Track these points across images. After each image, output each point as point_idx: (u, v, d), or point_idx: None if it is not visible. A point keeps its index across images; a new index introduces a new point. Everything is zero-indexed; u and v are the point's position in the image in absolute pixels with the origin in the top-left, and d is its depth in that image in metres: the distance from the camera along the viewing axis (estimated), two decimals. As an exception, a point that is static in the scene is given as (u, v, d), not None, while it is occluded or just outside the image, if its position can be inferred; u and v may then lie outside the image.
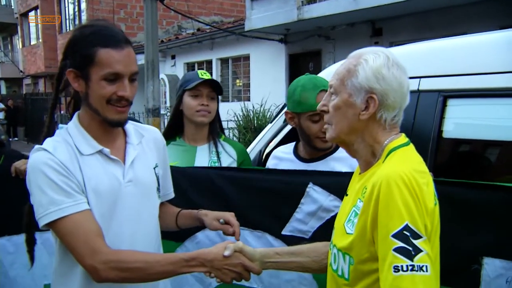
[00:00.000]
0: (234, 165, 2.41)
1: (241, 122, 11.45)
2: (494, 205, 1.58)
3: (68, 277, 1.54)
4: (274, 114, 2.35)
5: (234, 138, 11.45)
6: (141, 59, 9.81)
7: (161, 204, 1.84)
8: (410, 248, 1.17)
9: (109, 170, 1.57)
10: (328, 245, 1.59)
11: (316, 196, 1.96)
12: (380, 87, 1.34)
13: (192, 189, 2.15)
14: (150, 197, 1.68)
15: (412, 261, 1.16)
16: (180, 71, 15.76)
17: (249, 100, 13.00)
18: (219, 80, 14.92)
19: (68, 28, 21.33)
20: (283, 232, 2.03)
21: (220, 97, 2.50)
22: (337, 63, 1.77)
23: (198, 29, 15.01)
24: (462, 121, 2.12)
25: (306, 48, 11.75)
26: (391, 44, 9.11)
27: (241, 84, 14.68)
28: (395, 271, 1.17)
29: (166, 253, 1.61)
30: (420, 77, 2.14)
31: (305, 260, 1.61)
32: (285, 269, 1.65)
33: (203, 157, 2.38)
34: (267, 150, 2.86)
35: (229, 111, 11.96)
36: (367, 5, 8.78)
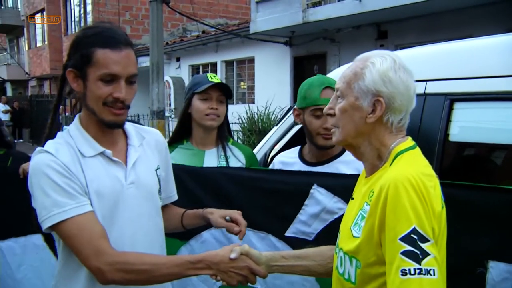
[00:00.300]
0: None
1: (245, 124, 11.45)
2: (499, 208, 1.57)
3: (72, 280, 1.54)
4: (279, 117, 2.35)
5: (239, 141, 11.46)
6: (146, 61, 9.84)
7: (166, 206, 1.84)
8: (418, 252, 1.16)
9: (111, 172, 1.57)
10: (334, 249, 1.59)
11: (320, 198, 1.96)
12: (387, 90, 1.34)
13: (196, 188, 2.15)
14: (151, 199, 1.68)
15: (420, 264, 1.15)
16: (185, 73, 15.79)
17: (253, 102, 13.01)
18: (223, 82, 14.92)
19: (73, 30, 21.43)
20: (287, 234, 2.03)
21: (230, 99, 2.49)
22: (343, 66, 1.77)
23: (203, 32, 15.04)
24: (469, 125, 2.11)
25: (311, 51, 11.75)
26: (397, 47, 9.10)
27: (245, 86, 14.69)
28: (402, 275, 1.16)
29: (172, 256, 1.61)
30: (426, 81, 2.13)
31: (311, 264, 1.61)
32: (291, 273, 1.65)
33: (211, 161, 2.36)
34: (273, 153, 2.86)
35: (234, 114, 11.96)
36: (373, 8, 8.77)
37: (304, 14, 10.19)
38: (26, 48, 27.15)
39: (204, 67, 15.79)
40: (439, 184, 1.32)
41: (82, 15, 20.48)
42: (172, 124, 12.90)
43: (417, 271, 1.15)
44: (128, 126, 1.69)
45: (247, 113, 11.44)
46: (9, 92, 30.49)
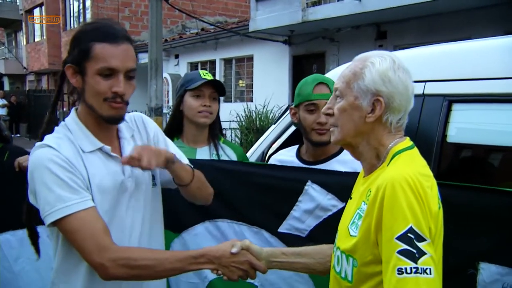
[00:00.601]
0: None
1: (243, 122, 11.45)
2: (491, 209, 1.58)
3: (71, 275, 1.54)
4: (277, 116, 2.36)
5: (236, 139, 11.46)
6: (144, 58, 9.82)
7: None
8: (414, 251, 1.17)
9: (110, 167, 1.57)
10: (332, 247, 1.59)
11: (314, 195, 1.96)
12: (386, 89, 1.35)
13: None
14: (146, 190, 1.68)
15: (416, 263, 1.16)
16: (183, 71, 15.78)
17: (251, 101, 13.01)
18: (222, 80, 14.93)
19: (72, 25, 21.38)
20: (280, 230, 2.03)
21: (222, 97, 2.48)
22: (342, 65, 1.77)
23: (202, 29, 15.02)
24: (467, 126, 2.12)
25: (310, 50, 11.76)
26: (396, 48, 9.11)
27: (244, 84, 14.69)
28: (399, 273, 1.17)
29: (174, 251, 1.61)
30: (425, 81, 2.14)
31: (310, 262, 1.62)
32: (290, 270, 1.67)
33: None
34: (270, 152, 2.86)
35: (232, 112, 11.96)
36: (372, 8, 8.79)
37: (304, 13, 10.19)
38: (24, 43, 27.06)
39: (202, 65, 15.78)
40: (436, 184, 1.32)
41: (81, 11, 20.45)
42: (170, 121, 12.84)
43: (414, 270, 1.16)
44: None
45: (245, 111, 11.44)
46: (7, 87, 30.40)
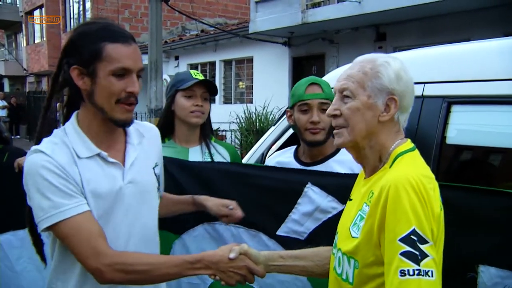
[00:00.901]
0: None
1: (243, 124, 11.45)
2: (491, 211, 1.57)
3: (66, 274, 1.54)
4: (277, 117, 2.36)
5: (236, 140, 11.46)
6: (144, 60, 9.79)
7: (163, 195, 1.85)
8: (417, 253, 1.18)
9: (108, 172, 1.55)
10: (331, 250, 1.59)
11: (314, 197, 1.95)
12: (400, 88, 1.37)
13: (188, 183, 2.14)
14: (148, 197, 1.66)
15: (419, 265, 1.17)
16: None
17: (251, 102, 13.01)
18: (222, 81, 14.94)
19: (72, 27, 21.38)
20: (278, 233, 2.02)
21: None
22: (341, 67, 1.78)
23: (202, 31, 15.03)
24: (466, 128, 2.12)
25: (309, 52, 11.76)
26: (395, 49, 9.12)
27: (244, 86, 14.69)
28: (401, 275, 1.17)
29: (171, 255, 1.61)
30: (424, 83, 2.14)
31: (309, 264, 1.62)
32: (289, 273, 1.66)
33: (196, 159, 2.34)
34: (270, 153, 2.86)
35: (232, 113, 11.96)
36: (372, 10, 8.79)
37: (304, 15, 10.19)
38: (24, 44, 27.06)
39: (202, 66, 15.78)
40: (437, 186, 1.33)
41: (81, 12, 20.46)
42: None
43: (416, 272, 1.16)
44: None
45: (245, 112, 11.43)
46: (7, 88, 30.39)
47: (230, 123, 11.88)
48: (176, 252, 2.17)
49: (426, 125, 2.10)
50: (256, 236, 2.06)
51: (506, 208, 1.54)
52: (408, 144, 1.41)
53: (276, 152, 2.48)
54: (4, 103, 20.59)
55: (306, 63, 12.10)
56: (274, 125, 2.98)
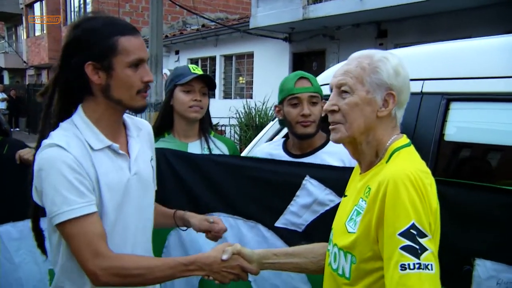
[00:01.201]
0: None
1: (243, 119, 11.45)
2: (487, 206, 1.59)
3: (77, 273, 1.52)
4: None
5: (236, 135, 11.46)
6: (145, 54, 9.77)
7: None
8: (417, 247, 1.19)
9: (117, 164, 1.57)
10: (326, 246, 1.60)
11: (312, 189, 1.97)
12: (398, 84, 1.38)
13: (187, 175, 2.15)
14: (150, 189, 1.70)
15: (419, 259, 1.18)
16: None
17: (251, 97, 13.00)
18: (222, 77, 14.92)
19: (73, 20, 21.27)
20: (276, 224, 2.04)
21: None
22: (338, 64, 1.78)
23: (203, 25, 15.00)
24: (465, 125, 2.13)
25: (310, 48, 11.75)
26: (396, 46, 9.10)
27: (244, 81, 14.67)
28: (402, 269, 1.18)
29: (165, 258, 1.63)
30: (423, 79, 2.14)
31: (303, 261, 1.63)
32: (283, 270, 1.67)
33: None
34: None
35: (231, 108, 11.96)
36: (373, 6, 8.78)
37: (305, 11, 10.18)
38: (25, 37, 26.98)
39: (203, 61, 15.76)
40: (434, 182, 1.33)
41: (82, 5, 20.39)
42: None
43: (417, 265, 1.17)
44: (125, 117, 1.69)
45: (244, 108, 11.43)
46: (7, 81, 30.32)
47: (229, 118, 11.87)
48: (171, 244, 2.18)
49: (425, 122, 2.10)
50: (254, 227, 2.07)
51: (504, 204, 1.56)
52: (404, 139, 1.42)
53: (264, 144, 2.49)
54: (4, 95, 20.57)
55: (307, 59, 12.08)
56: (273, 120, 2.98)
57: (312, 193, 1.96)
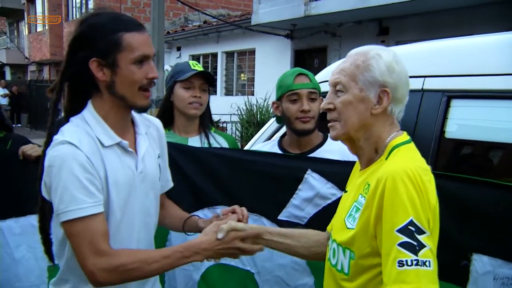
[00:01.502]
0: None
1: (244, 116, 11.45)
2: (485, 202, 1.59)
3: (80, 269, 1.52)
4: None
5: (237, 132, 11.46)
6: (146, 50, 9.77)
7: (166, 202, 1.86)
8: (415, 243, 1.19)
9: (125, 162, 1.56)
10: (320, 234, 1.63)
11: (314, 183, 1.98)
12: (392, 80, 1.38)
13: (190, 169, 2.16)
14: (154, 187, 1.70)
15: (417, 256, 1.18)
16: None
17: (253, 94, 12.99)
18: (223, 73, 14.91)
19: (74, 16, 21.28)
20: (279, 217, 2.05)
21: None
22: (337, 62, 1.79)
23: (205, 22, 14.99)
24: (465, 122, 2.13)
25: (312, 45, 11.73)
26: (398, 43, 9.09)
27: (245, 78, 14.67)
28: (399, 266, 1.19)
29: (162, 248, 1.61)
30: (424, 77, 2.14)
31: (294, 244, 1.63)
32: (275, 249, 1.67)
33: None
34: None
35: (233, 105, 11.96)
36: (375, 3, 8.76)
37: (306, 8, 10.16)
38: (26, 33, 26.97)
39: (204, 57, 15.75)
40: (433, 178, 1.34)
41: (83, 1, 20.36)
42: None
43: (414, 262, 1.17)
44: (134, 114, 1.68)
45: (246, 104, 11.43)
46: (8, 76, 30.34)
47: (231, 114, 11.88)
48: (173, 237, 2.17)
49: (426, 119, 2.10)
50: (258, 220, 2.08)
51: (502, 199, 1.56)
52: (404, 136, 1.42)
53: (259, 145, 2.50)
54: (6, 91, 20.57)
55: (308, 56, 12.07)
56: (273, 117, 2.99)
57: (314, 186, 1.98)
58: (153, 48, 1.56)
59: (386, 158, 1.38)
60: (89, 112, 1.56)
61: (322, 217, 1.77)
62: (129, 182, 1.55)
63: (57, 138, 1.48)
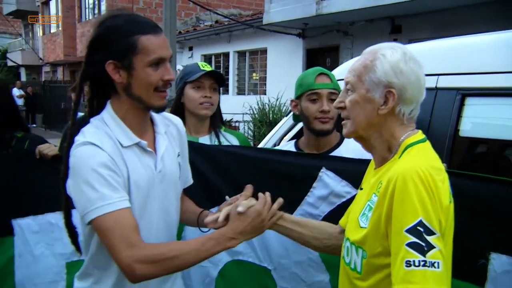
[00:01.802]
0: None
1: (256, 115, 11.46)
2: (503, 200, 1.58)
3: (106, 264, 1.55)
4: (289, 109, 2.37)
5: (249, 131, 11.48)
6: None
7: (183, 198, 1.86)
8: (423, 244, 1.18)
9: (145, 161, 1.58)
10: (333, 227, 1.67)
11: (328, 181, 1.98)
12: (398, 81, 1.36)
13: (204, 166, 2.16)
14: (175, 186, 1.71)
15: (425, 256, 1.17)
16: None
17: (265, 93, 13.00)
18: (235, 73, 14.93)
19: (87, 17, 21.48)
20: (294, 215, 2.04)
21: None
22: (353, 59, 1.78)
23: (216, 21, 15.02)
24: (480, 120, 2.11)
25: (324, 43, 11.70)
26: (410, 41, 9.00)
27: (257, 77, 14.67)
28: (407, 266, 1.18)
29: (195, 239, 1.60)
30: (438, 75, 2.13)
31: (307, 234, 1.67)
32: (286, 236, 1.70)
33: None
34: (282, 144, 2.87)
35: (245, 104, 11.97)
36: (387, 2, 8.70)
37: (318, 6, 10.13)
38: (41, 34, 27.29)
39: (216, 57, 15.79)
40: (447, 178, 1.33)
41: (96, 2, 20.54)
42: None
43: (422, 263, 1.16)
44: (153, 113, 1.70)
45: (258, 104, 11.44)
46: (23, 77, 30.74)
47: (243, 114, 11.90)
48: (188, 234, 2.18)
49: (440, 118, 2.09)
50: None
51: None
52: (419, 135, 1.41)
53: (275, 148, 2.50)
54: (21, 92, 20.82)
55: (320, 55, 12.04)
56: (286, 116, 2.99)
57: (329, 184, 1.98)
58: (169, 50, 1.58)
59: (400, 157, 1.37)
60: (108, 113, 1.59)
61: (337, 215, 1.76)
62: (148, 181, 1.57)
63: (78, 139, 1.51)
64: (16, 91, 20.32)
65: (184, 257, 1.48)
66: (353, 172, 1.89)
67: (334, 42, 11.38)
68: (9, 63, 29.37)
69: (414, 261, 1.17)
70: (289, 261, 2.07)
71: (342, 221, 1.70)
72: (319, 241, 1.66)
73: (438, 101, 2.10)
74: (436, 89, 2.11)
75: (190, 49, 16.55)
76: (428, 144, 1.41)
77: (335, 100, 2.13)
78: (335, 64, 10.51)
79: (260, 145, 3.02)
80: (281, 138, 2.93)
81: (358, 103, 1.41)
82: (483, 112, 2.09)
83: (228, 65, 15.20)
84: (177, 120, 1.83)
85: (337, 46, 11.40)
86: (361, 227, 1.39)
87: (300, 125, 2.75)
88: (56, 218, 2.23)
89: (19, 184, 2.25)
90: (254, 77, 14.83)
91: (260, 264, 2.13)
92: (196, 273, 2.18)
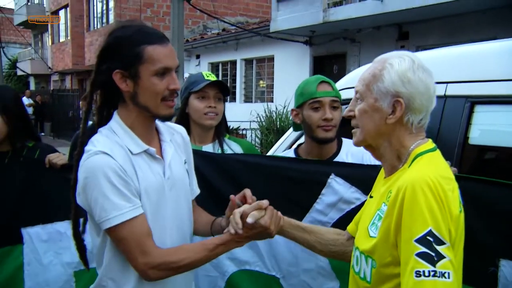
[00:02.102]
0: None
1: (263, 123, 11.47)
2: None
3: (122, 273, 1.57)
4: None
5: (257, 139, 11.48)
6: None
7: (195, 208, 1.87)
8: (433, 254, 1.17)
9: (154, 168, 1.60)
10: (340, 234, 1.67)
11: (337, 188, 1.97)
12: (406, 90, 1.35)
13: (212, 175, 2.17)
14: (185, 192, 1.73)
15: (435, 266, 1.16)
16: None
17: (272, 101, 13.02)
18: (242, 80, 14.98)
19: (95, 26, 21.70)
20: (303, 222, 2.03)
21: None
22: (361, 67, 1.79)
23: (223, 29, 15.10)
24: (489, 128, 2.10)
25: (331, 51, 11.71)
26: (418, 48, 9.01)
27: (264, 85, 14.70)
28: (416, 276, 1.17)
29: (205, 244, 1.62)
30: (447, 83, 2.12)
31: (312, 239, 1.68)
32: (292, 240, 1.71)
33: None
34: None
35: (252, 112, 11.99)
36: (394, 9, 8.70)
37: (325, 14, 10.15)
38: (50, 43, 27.58)
39: (223, 65, 15.86)
40: (457, 188, 1.32)
41: (105, 11, 20.74)
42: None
43: (432, 273, 1.15)
44: (157, 122, 1.72)
45: (265, 111, 11.45)
46: (32, 86, 31.04)
47: (250, 121, 11.91)
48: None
49: (449, 125, 2.08)
50: None
51: None
52: (429, 144, 1.40)
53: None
54: (30, 101, 21.00)
55: (327, 62, 12.05)
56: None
57: (338, 191, 1.97)
58: (176, 60, 1.60)
59: (409, 166, 1.36)
60: (116, 122, 1.61)
61: (346, 222, 1.76)
62: (158, 187, 1.59)
63: (89, 149, 1.53)
64: (25, 100, 20.49)
65: (195, 264, 1.58)
66: (362, 177, 1.89)
67: (341, 49, 11.39)
68: (19, 73, 29.68)
69: (424, 271, 1.16)
70: (298, 269, 2.06)
71: (350, 228, 1.69)
72: (323, 246, 1.66)
73: (447, 109, 2.09)
74: (445, 97, 2.10)
75: (198, 57, 16.63)
76: (438, 153, 1.40)
77: (337, 107, 2.16)
78: (342, 71, 10.51)
79: (269, 153, 3.01)
80: (289, 146, 2.92)
81: (367, 112, 1.41)
82: (493, 120, 2.08)
83: (235, 73, 15.25)
84: (181, 129, 1.85)
85: (344, 53, 11.41)
86: (371, 237, 1.38)
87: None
88: (64, 227, 2.24)
89: (29, 193, 2.27)
90: (261, 85, 14.86)
91: (268, 273, 2.13)
92: (204, 282, 2.18)
